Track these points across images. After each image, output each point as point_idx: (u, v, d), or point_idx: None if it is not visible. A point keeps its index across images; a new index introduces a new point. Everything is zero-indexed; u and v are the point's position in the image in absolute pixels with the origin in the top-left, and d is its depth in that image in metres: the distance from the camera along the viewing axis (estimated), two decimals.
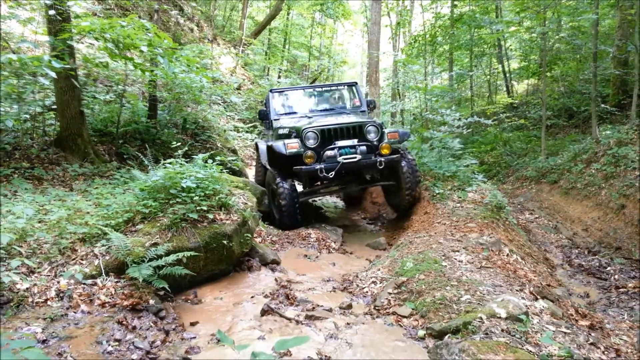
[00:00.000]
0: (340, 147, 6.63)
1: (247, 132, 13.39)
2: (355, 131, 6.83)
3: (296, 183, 7.32)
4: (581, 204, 8.27)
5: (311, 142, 6.64)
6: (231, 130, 12.09)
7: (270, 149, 7.12)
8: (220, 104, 13.14)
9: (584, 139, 10.41)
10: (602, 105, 11.08)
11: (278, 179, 6.84)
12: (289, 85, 16.83)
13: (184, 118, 8.84)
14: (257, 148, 9.01)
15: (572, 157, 9.48)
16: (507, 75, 16.68)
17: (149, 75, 6.79)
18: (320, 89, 8.67)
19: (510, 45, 16.72)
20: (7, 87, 5.62)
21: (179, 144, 6.33)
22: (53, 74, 4.75)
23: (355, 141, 6.75)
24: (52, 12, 5.50)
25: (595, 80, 10.12)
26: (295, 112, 8.00)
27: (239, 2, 20.15)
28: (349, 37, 31.66)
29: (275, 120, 7.88)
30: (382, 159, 6.63)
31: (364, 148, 6.70)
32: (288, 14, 23.24)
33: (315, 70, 24.59)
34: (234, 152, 9.96)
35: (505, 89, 17.44)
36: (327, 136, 6.71)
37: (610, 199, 7.60)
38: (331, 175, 6.46)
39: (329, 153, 6.61)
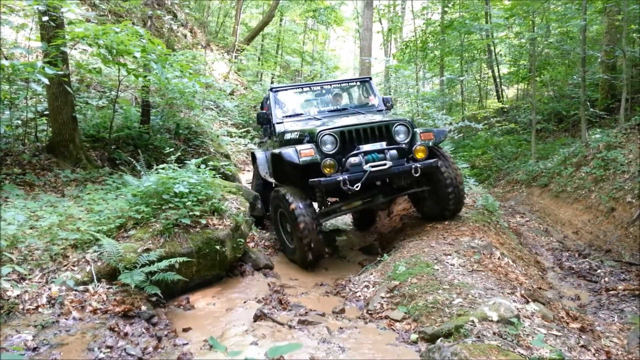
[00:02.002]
0: (365, 152, 5.43)
1: (240, 137, 13.40)
2: (382, 132, 5.65)
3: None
4: (571, 207, 8.35)
5: (329, 148, 5.42)
6: (224, 135, 12.09)
7: (276, 158, 5.84)
8: (213, 109, 13.14)
9: (574, 142, 10.53)
10: (591, 109, 11.22)
11: (291, 198, 5.47)
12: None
13: (177, 123, 8.84)
14: (254, 158, 7.85)
15: (562, 161, 9.57)
16: (497, 80, 16.82)
17: (142, 80, 6.79)
18: (329, 86, 7.37)
19: (500, 51, 16.89)
20: None
21: (171, 149, 6.33)
22: (46, 81, 4.74)
23: (383, 144, 5.57)
24: (45, 18, 5.49)
25: (584, 84, 10.25)
26: (301, 114, 6.75)
27: (233, 8, 20.20)
28: (341, 42, 31.82)
29: (278, 124, 6.61)
30: (418, 165, 5.45)
31: (394, 152, 5.53)
32: (281, 20, 23.33)
33: (308, 75, 24.66)
34: (227, 157, 9.96)
35: (495, 93, 17.59)
36: (348, 139, 5.53)
37: (600, 202, 7.68)
38: (357, 187, 5.20)
39: (352, 160, 5.41)
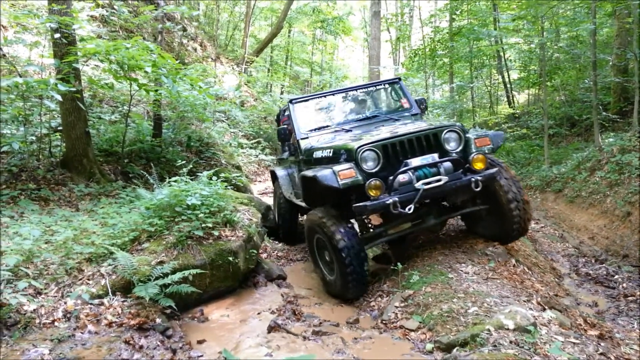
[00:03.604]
0: (416, 168, 4.62)
1: (251, 148, 13.48)
2: (429, 142, 4.83)
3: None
4: (587, 212, 8.25)
5: (371, 165, 4.63)
6: (235, 147, 12.17)
7: (310, 181, 5.02)
8: (224, 121, 13.25)
9: (587, 147, 10.43)
10: (604, 113, 11.11)
11: (331, 224, 4.74)
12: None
13: (188, 136, 8.92)
14: (274, 178, 7.26)
15: (576, 166, 9.47)
16: (508, 85, 16.75)
17: (154, 94, 6.88)
18: (355, 92, 6.62)
19: (509, 56, 16.83)
20: (13, 110, 5.71)
21: (183, 161, 6.38)
22: (59, 97, 4.83)
23: (435, 156, 4.74)
24: (57, 35, 5.60)
25: (596, 88, 10.16)
26: (327, 126, 6.05)
27: (241, 21, 20.42)
28: (349, 52, 31.97)
29: (302, 139, 5.92)
30: (479, 177, 4.61)
31: (448, 165, 4.70)
32: (289, 31, 23.53)
33: (318, 85, 24.77)
34: (239, 168, 10.01)
35: (506, 99, 17.51)
36: (392, 153, 4.73)
37: (616, 207, 7.57)
38: (410, 210, 4.43)
39: (401, 178, 4.60)
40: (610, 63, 11.66)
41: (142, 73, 6.48)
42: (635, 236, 6.93)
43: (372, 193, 4.49)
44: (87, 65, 7.34)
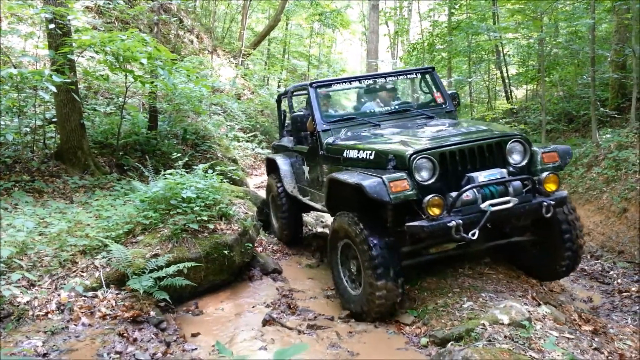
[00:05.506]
0: (482, 185, 3.85)
1: (247, 141, 13.44)
2: (493, 151, 4.08)
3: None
4: (583, 208, 8.25)
5: (425, 176, 3.86)
6: (231, 140, 12.12)
7: (340, 184, 4.33)
8: (220, 114, 13.19)
9: (584, 142, 10.42)
10: (602, 109, 11.10)
11: (370, 236, 3.93)
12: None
13: (184, 129, 8.88)
14: (273, 168, 6.52)
15: (573, 161, 9.46)
16: (506, 81, 16.73)
17: (149, 86, 6.83)
18: (383, 80, 5.83)
19: (508, 51, 16.80)
20: (8, 101, 5.66)
21: (179, 154, 6.34)
22: (53, 88, 4.78)
23: (504, 172, 3.99)
24: (52, 26, 5.55)
25: (594, 84, 10.15)
26: (352, 118, 5.28)
27: (239, 13, 20.30)
28: (347, 45, 31.81)
29: (324, 131, 5.08)
30: (551, 202, 3.92)
31: (518, 184, 3.94)
32: (287, 24, 23.39)
33: (315, 79, 24.70)
34: (235, 161, 9.98)
35: (504, 94, 17.49)
36: (450, 163, 3.96)
37: (612, 203, 7.58)
38: (474, 235, 3.70)
39: (466, 197, 3.82)
40: (609, 59, 11.64)
41: (138, 65, 6.43)
42: (631, 232, 6.94)
43: (431, 212, 3.69)
44: (82, 56, 7.27)
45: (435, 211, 3.69)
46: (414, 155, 3.84)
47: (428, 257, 4.42)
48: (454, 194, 3.80)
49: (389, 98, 5.76)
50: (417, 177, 3.83)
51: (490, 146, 4.07)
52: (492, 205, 3.77)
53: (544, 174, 4.01)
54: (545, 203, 3.88)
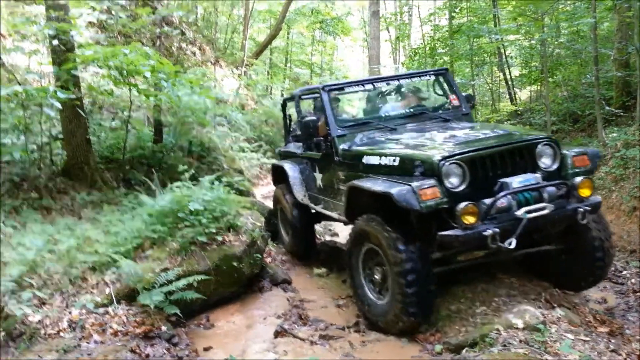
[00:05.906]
0: (516, 191, 3.71)
1: (252, 151, 13.46)
2: (523, 155, 3.96)
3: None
4: None
5: (455, 183, 3.71)
6: (237, 151, 12.14)
7: (360, 192, 4.21)
8: (224, 125, 13.23)
9: (591, 142, 10.34)
10: (607, 108, 11.03)
11: (400, 241, 3.76)
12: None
13: (189, 141, 8.90)
14: (281, 176, 6.27)
15: None
16: (510, 82, 16.70)
17: (154, 100, 6.85)
18: (396, 82, 5.75)
19: (510, 53, 16.77)
20: (15, 119, 5.68)
21: (185, 167, 6.34)
22: (58, 105, 4.81)
23: (538, 177, 3.86)
24: (55, 42, 5.58)
25: (598, 83, 10.10)
26: (367, 122, 5.13)
27: (240, 24, 20.41)
28: (349, 52, 31.92)
29: (339, 137, 4.91)
30: (587, 208, 3.79)
31: (553, 190, 3.83)
32: (288, 33, 23.50)
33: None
34: (241, 172, 9.99)
35: (508, 96, 17.45)
36: (480, 168, 3.82)
37: (622, 202, 7.52)
38: (511, 245, 3.55)
39: (500, 204, 3.68)
40: (612, 57, 11.59)
41: (142, 78, 6.46)
42: None
43: (466, 220, 3.52)
44: (86, 72, 7.32)
45: (471, 220, 3.54)
46: (443, 161, 3.68)
47: (457, 265, 4.29)
48: (486, 201, 3.65)
49: (403, 101, 5.65)
50: (447, 183, 3.68)
51: (520, 150, 3.94)
52: (529, 212, 3.62)
53: (578, 179, 3.85)
54: (580, 209, 3.75)
